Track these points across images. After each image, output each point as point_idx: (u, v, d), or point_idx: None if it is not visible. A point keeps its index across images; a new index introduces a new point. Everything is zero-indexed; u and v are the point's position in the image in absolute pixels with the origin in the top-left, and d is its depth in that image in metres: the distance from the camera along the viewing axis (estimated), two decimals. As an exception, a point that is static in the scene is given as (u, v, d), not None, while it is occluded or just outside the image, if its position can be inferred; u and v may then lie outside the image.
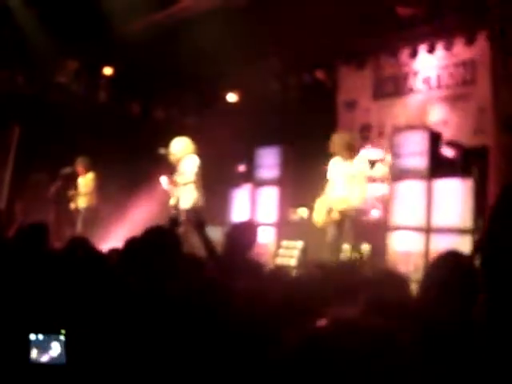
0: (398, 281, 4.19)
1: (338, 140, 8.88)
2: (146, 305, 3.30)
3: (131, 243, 4.52)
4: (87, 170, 12.37)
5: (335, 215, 8.64)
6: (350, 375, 1.37)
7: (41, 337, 2.96)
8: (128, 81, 14.39)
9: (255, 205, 12.15)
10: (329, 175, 8.97)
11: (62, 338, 2.94)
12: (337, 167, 8.89)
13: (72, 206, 12.29)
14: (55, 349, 2.95)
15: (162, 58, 12.50)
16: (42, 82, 14.19)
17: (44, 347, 2.95)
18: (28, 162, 12.91)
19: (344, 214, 8.62)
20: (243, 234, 5.89)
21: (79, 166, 12.35)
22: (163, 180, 9.87)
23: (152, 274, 3.82)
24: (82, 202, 12.16)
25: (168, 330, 3.00)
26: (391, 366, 1.37)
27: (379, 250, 9.75)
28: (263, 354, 2.79)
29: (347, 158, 8.79)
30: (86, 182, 12.31)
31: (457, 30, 11.69)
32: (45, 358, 2.95)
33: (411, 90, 12.68)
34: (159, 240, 4.05)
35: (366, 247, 10.04)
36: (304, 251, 10.86)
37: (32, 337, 2.95)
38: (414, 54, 12.42)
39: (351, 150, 8.81)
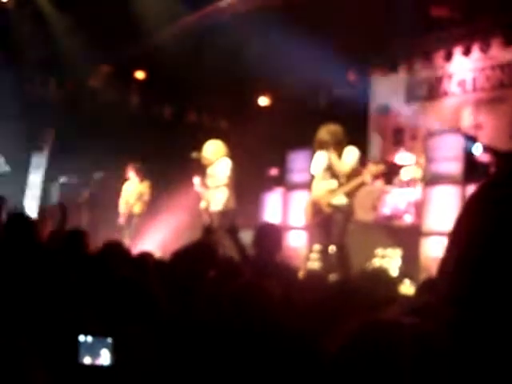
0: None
1: (323, 132, 8.34)
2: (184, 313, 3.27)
3: (161, 267, 4.54)
4: (142, 177, 12.26)
5: (326, 209, 8.20)
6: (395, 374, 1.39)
7: (90, 339, 2.99)
8: (160, 85, 14.43)
9: (287, 209, 12.11)
10: (313, 170, 8.62)
11: (110, 340, 2.97)
12: (322, 161, 8.44)
13: (123, 210, 12.13)
14: (104, 355, 2.98)
15: (193, 61, 12.51)
16: (75, 87, 14.28)
17: (93, 350, 2.98)
18: (60, 165, 12.97)
19: (334, 210, 8.19)
20: (268, 235, 5.89)
21: (130, 171, 12.27)
22: (196, 180, 9.87)
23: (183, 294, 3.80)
24: (136, 208, 12.07)
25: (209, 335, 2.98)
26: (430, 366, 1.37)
27: (411, 255, 9.64)
28: (301, 357, 2.75)
29: (334, 152, 8.29)
30: (141, 189, 12.19)
31: (493, 31, 11.55)
32: (96, 362, 2.98)
33: (445, 94, 12.55)
34: (188, 264, 4.04)
35: (397, 252, 9.96)
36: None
37: (81, 338, 2.98)
38: (448, 57, 12.28)
39: (338, 143, 8.25)
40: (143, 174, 12.27)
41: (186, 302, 3.56)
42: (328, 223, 8.25)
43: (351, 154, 8.30)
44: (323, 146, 8.34)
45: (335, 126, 8.40)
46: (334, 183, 8.26)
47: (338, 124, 8.43)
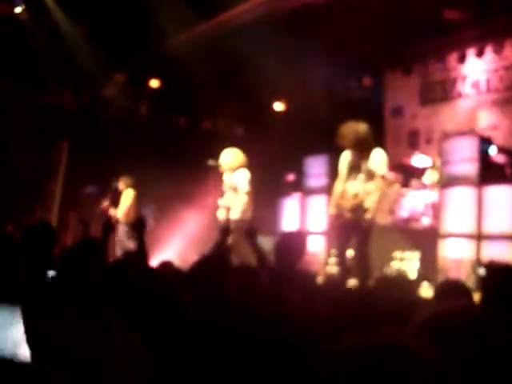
0: (463, 291, 4.15)
1: (345, 131, 7.98)
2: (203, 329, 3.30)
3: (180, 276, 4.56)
4: (127, 187, 12.42)
5: (347, 214, 7.89)
6: None
7: None
8: (175, 93, 14.50)
9: (305, 214, 12.12)
10: (340, 169, 8.24)
11: None
12: (347, 162, 8.12)
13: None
14: None
15: (208, 68, 12.57)
16: (90, 96, 14.38)
17: None
18: (78, 174, 13.08)
19: (357, 217, 7.84)
20: (292, 244, 5.87)
21: (121, 184, 12.44)
22: (219, 207, 9.86)
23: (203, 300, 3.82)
24: (121, 218, 12.15)
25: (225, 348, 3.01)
26: None
27: (429, 257, 9.65)
28: (314, 368, 2.79)
29: (358, 152, 7.97)
30: (124, 197, 12.37)
31: (506, 32, 11.55)
32: None
33: (460, 95, 12.55)
34: (207, 273, 4.05)
35: (415, 255, 9.97)
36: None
37: None
38: (462, 59, 12.28)
39: (362, 144, 7.90)
40: (129, 184, 12.41)
41: (206, 312, 3.59)
42: (349, 228, 7.98)
43: (379, 155, 7.98)
44: (344, 145, 8.08)
45: (357, 124, 8.05)
46: (357, 186, 7.98)
47: (364, 123, 8.07)
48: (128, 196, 12.36)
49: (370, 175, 7.92)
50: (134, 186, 12.43)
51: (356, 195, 7.93)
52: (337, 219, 8.26)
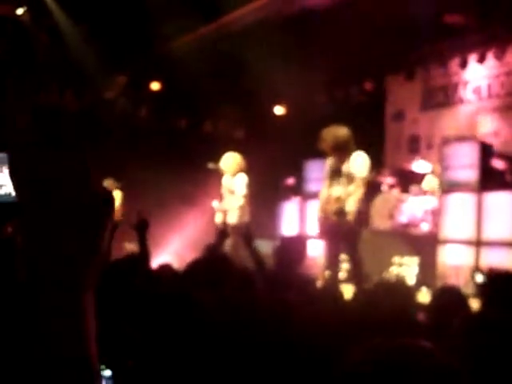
0: (459, 298, 4.15)
1: (324, 136, 8.08)
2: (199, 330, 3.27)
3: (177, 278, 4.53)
4: (113, 189, 12.44)
5: (332, 218, 7.94)
6: None
7: None
8: (176, 95, 14.49)
9: (304, 218, 12.11)
10: (325, 175, 8.34)
11: (108, 373, 2.76)
12: (328, 167, 8.23)
13: None
14: None
15: (209, 71, 12.56)
16: (91, 98, 14.36)
17: None
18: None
19: (341, 221, 7.90)
20: (293, 248, 5.87)
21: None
22: (215, 204, 9.90)
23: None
24: None
25: (220, 349, 2.99)
26: None
27: (428, 263, 9.63)
28: (315, 369, 2.78)
29: (338, 156, 8.05)
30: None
31: (508, 38, 11.53)
32: None
33: (461, 101, 12.54)
34: (203, 275, 4.03)
35: (414, 260, 9.96)
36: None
37: None
38: (463, 64, 12.26)
39: (340, 148, 7.96)
40: (114, 187, 12.43)
41: (202, 314, 3.57)
42: (336, 232, 8.04)
43: (360, 158, 8.03)
44: (325, 150, 8.19)
45: (337, 128, 8.12)
46: (339, 190, 8.02)
47: (345, 127, 8.13)
48: (116, 198, 12.34)
49: (351, 178, 7.97)
50: (120, 187, 12.42)
51: (338, 198, 8.00)
52: (324, 224, 8.27)
